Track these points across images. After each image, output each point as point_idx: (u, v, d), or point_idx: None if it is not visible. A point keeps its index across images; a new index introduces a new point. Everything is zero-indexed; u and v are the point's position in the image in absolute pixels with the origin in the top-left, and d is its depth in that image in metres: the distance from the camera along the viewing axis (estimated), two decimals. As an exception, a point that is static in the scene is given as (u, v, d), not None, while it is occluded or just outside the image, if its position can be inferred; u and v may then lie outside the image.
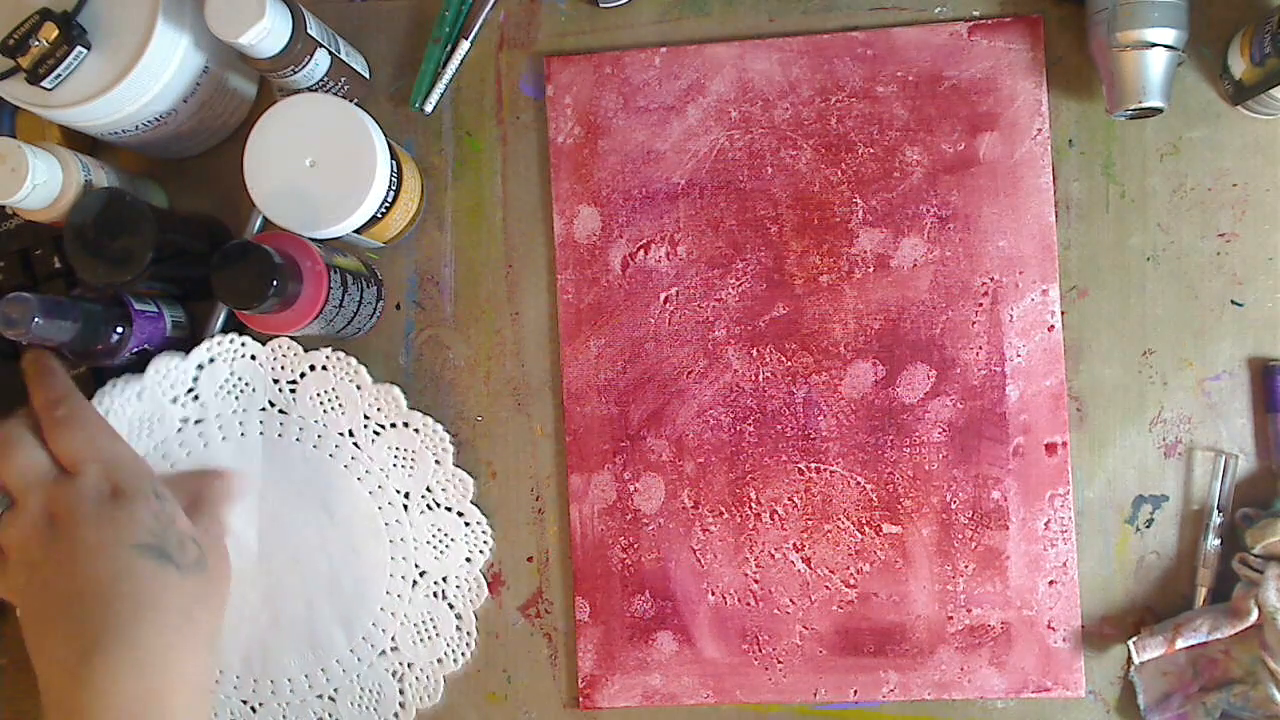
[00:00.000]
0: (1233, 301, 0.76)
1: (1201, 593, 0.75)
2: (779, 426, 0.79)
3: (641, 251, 0.80)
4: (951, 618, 0.77)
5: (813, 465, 0.78)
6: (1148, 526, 0.77)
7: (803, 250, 0.78)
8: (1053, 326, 0.77)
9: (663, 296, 0.80)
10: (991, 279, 0.77)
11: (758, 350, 0.79)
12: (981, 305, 0.77)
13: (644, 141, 0.80)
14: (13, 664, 0.84)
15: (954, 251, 0.78)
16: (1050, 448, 0.77)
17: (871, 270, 0.78)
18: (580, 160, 0.81)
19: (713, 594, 0.79)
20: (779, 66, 0.79)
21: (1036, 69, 0.78)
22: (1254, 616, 0.71)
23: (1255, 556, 0.73)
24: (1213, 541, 0.75)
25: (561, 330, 0.81)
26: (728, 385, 0.79)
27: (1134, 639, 0.74)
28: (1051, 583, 0.77)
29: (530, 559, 0.81)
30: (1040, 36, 0.78)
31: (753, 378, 0.79)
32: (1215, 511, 0.75)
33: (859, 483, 0.78)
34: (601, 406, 0.80)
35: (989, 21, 0.78)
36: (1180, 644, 0.73)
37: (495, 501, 0.81)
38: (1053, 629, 0.77)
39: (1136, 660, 0.74)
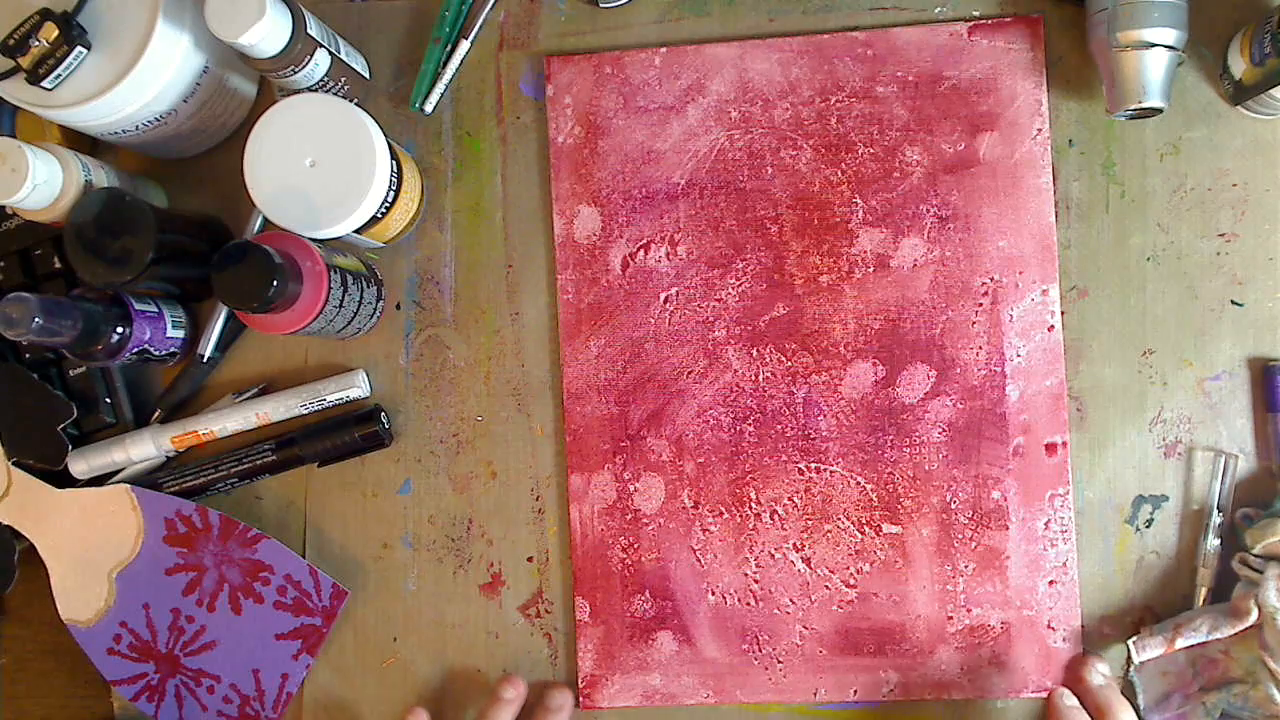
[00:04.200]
0: (1233, 301, 0.76)
1: (1201, 593, 0.75)
2: (779, 426, 0.79)
3: (641, 251, 0.80)
4: (951, 618, 0.77)
5: (813, 465, 0.78)
6: (1148, 526, 0.77)
7: (803, 250, 0.78)
8: (1053, 326, 0.77)
9: (663, 296, 0.80)
10: (991, 279, 0.77)
11: (758, 350, 0.79)
12: (981, 305, 0.77)
13: (644, 141, 0.80)
14: (13, 664, 0.85)
15: (954, 251, 0.78)
16: (1050, 448, 0.77)
17: (871, 270, 0.78)
18: (580, 160, 0.81)
19: (713, 594, 0.79)
20: (779, 66, 0.79)
21: (1036, 69, 0.78)
22: (1254, 616, 0.71)
23: (1255, 556, 0.73)
24: (1213, 541, 0.75)
25: (561, 330, 0.81)
26: (728, 385, 0.79)
27: (1134, 639, 0.74)
28: (1051, 583, 0.77)
29: (530, 559, 0.81)
30: (1040, 36, 0.78)
31: (753, 378, 0.79)
32: (1215, 511, 0.75)
33: (859, 483, 0.78)
34: (601, 406, 0.80)
35: (989, 21, 0.78)
36: (1180, 644, 0.73)
37: (495, 501, 0.81)
38: (1053, 629, 0.77)
39: (1136, 660, 0.74)
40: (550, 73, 0.81)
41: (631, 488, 0.80)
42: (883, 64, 0.78)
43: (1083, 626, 0.77)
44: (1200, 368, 0.77)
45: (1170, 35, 0.71)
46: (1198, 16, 0.73)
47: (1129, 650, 0.74)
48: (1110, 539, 0.77)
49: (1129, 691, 0.76)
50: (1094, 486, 0.77)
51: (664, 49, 0.80)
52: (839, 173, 0.78)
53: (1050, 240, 0.77)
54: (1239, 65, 0.74)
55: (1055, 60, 0.78)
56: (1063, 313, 0.77)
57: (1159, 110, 0.73)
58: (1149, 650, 0.73)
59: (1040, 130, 0.77)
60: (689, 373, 0.79)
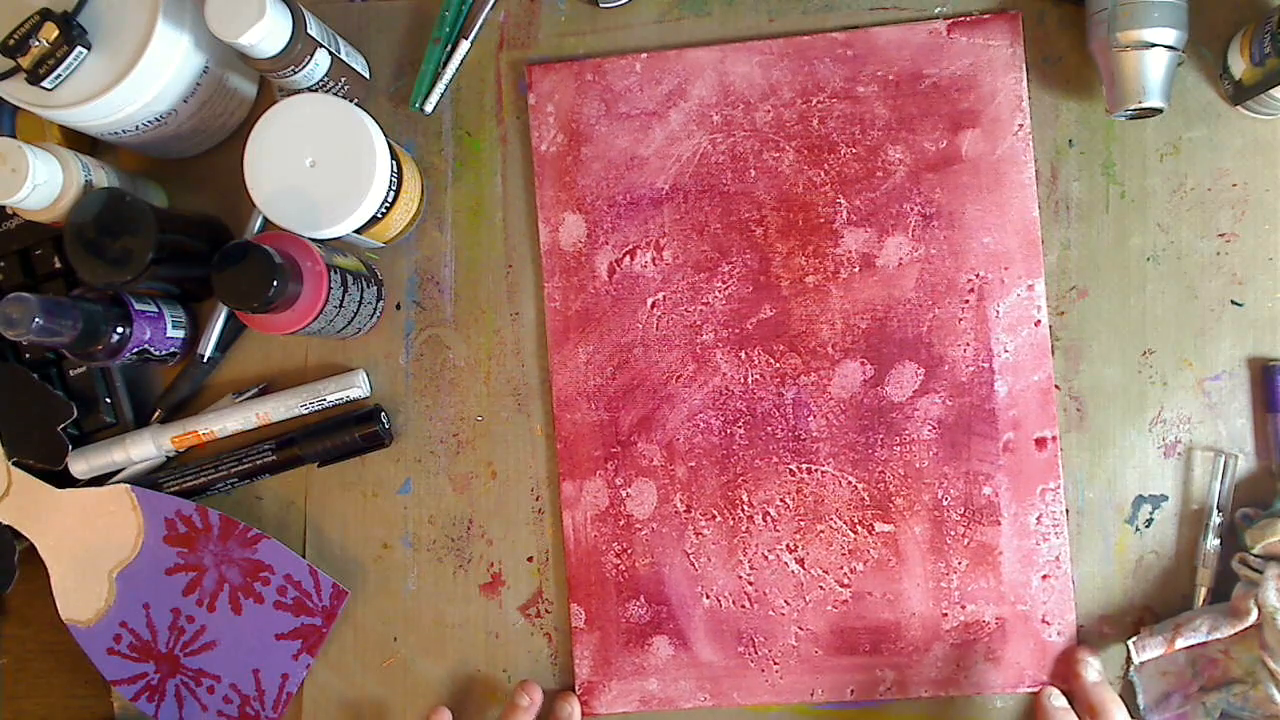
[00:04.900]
0: (1233, 301, 0.76)
1: (1201, 593, 0.75)
2: (769, 428, 0.79)
3: (627, 257, 0.80)
4: (946, 614, 0.77)
5: (804, 466, 0.78)
6: (1147, 526, 0.77)
7: (788, 252, 0.79)
8: (1039, 321, 0.77)
9: (650, 302, 0.80)
10: (977, 275, 0.77)
11: (746, 353, 0.79)
12: (968, 302, 0.77)
13: (627, 147, 0.80)
14: (13, 664, 0.85)
15: (939, 249, 0.78)
16: (1040, 442, 0.77)
17: (857, 270, 0.78)
18: (564, 168, 0.81)
19: (707, 597, 0.79)
20: (759, 69, 0.79)
21: (1016, 64, 0.78)
22: (1254, 616, 0.71)
23: (1255, 556, 0.73)
24: (1212, 541, 0.75)
25: (550, 338, 0.80)
26: (717, 388, 0.79)
27: (1133, 639, 0.74)
28: (1045, 577, 0.76)
29: (530, 559, 0.81)
30: (1019, 32, 0.78)
31: (741, 380, 0.79)
32: (1215, 511, 0.75)
33: (850, 482, 0.78)
34: (591, 413, 0.80)
35: (967, 19, 0.78)
36: (1180, 644, 0.73)
37: (495, 501, 0.81)
38: (1047, 623, 0.77)
39: (1136, 660, 0.74)
40: (532, 81, 0.81)
41: (623, 493, 0.80)
42: (863, 64, 0.78)
43: (1081, 626, 0.77)
44: (1200, 368, 0.77)
45: (1170, 35, 0.71)
46: (1198, 16, 0.74)
47: (1129, 650, 0.74)
48: (1110, 539, 0.77)
49: (1129, 691, 0.76)
50: (1094, 486, 0.77)
51: (645, 54, 0.80)
52: (822, 173, 0.78)
53: (1034, 235, 0.77)
54: (1239, 65, 0.74)
55: (1055, 60, 0.78)
56: (1062, 313, 0.77)
57: (1159, 110, 0.73)
58: (1149, 650, 0.73)
59: (1022, 126, 0.77)
60: (678, 377, 0.79)
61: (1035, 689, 0.76)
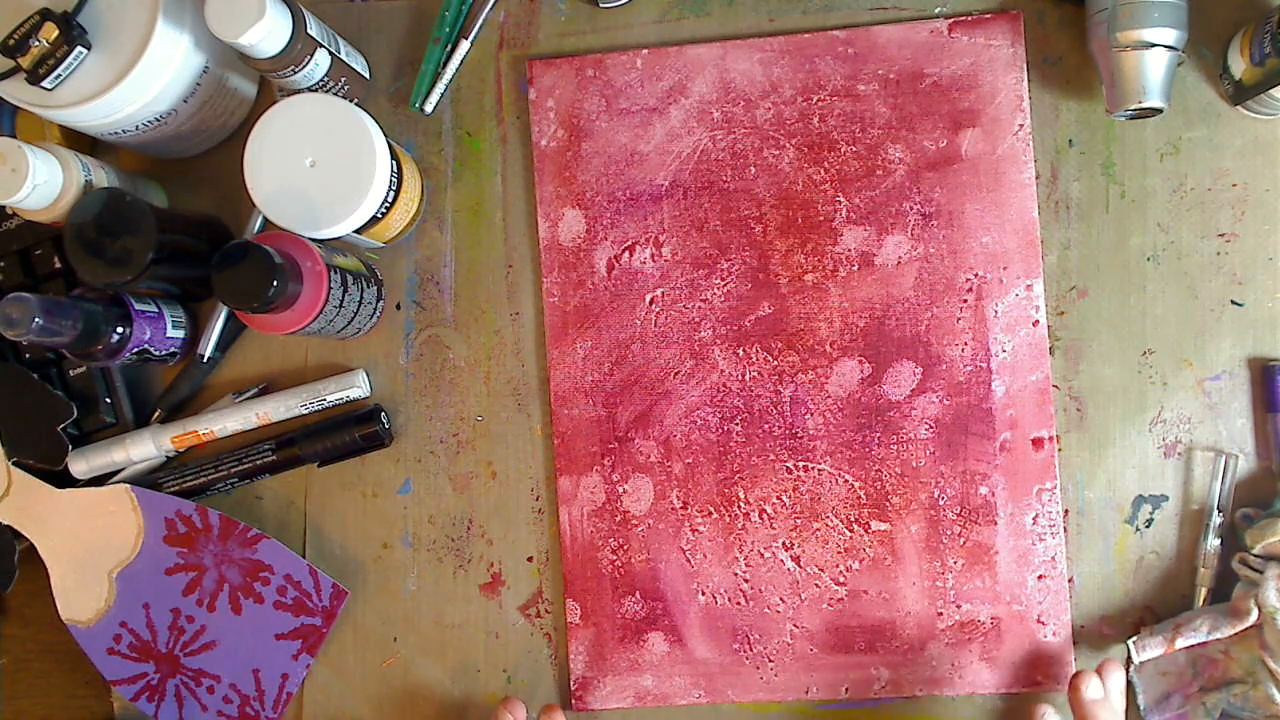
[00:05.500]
0: (1233, 301, 0.76)
1: (1201, 593, 0.75)
2: (766, 426, 0.79)
3: (626, 253, 0.80)
4: (941, 614, 0.77)
5: (801, 464, 0.78)
6: (1147, 526, 0.77)
7: (787, 249, 0.79)
8: (1037, 322, 0.77)
9: (648, 298, 0.80)
10: (976, 275, 0.77)
11: (744, 350, 0.79)
12: (966, 301, 0.77)
13: (627, 143, 0.80)
14: (13, 664, 0.85)
15: (938, 248, 0.78)
16: (1037, 442, 0.77)
17: (856, 268, 0.78)
18: (564, 163, 0.81)
19: (703, 594, 0.79)
20: (760, 66, 0.79)
21: (1017, 64, 0.78)
22: (1254, 616, 0.71)
23: (1255, 556, 0.73)
24: (1212, 541, 0.75)
25: (548, 333, 0.81)
26: (715, 385, 0.79)
27: (1133, 639, 0.74)
28: (1040, 577, 0.76)
29: (530, 559, 0.81)
30: (1020, 32, 0.78)
31: (739, 377, 0.79)
32: (1215, 511, 0.75)
33: (847, 480, 0.78)
34: (589, 409, 0.80)
35: (969, 18, 0.78)
36: (1180, 644, 0.73)
37: (495, 501, 0.81)
38: (1042, 623, 0.76)
39: (1136, 660, 0.73)
40: (532, 76, 0.81)
41: (620, 489, 0.80)
42: (864, 62, 0.78)
43: (1080, 624, 0.77)
44: (1200, 368, 0.76)
45: (1170, 35, 0.71)
46: (1198, 16, 0.74)
47: (1129, 650, 0.74)
48: (1110, 539, 0.77)
49: (1129, 691, 0.76)
50: (1094, 486, 0.77)
51: (646, 50, 0.80)
52: (822, 171, 0.78)
53: (1033, 235, 0.77)
54: (1239, 65, 0.74)
55: (1055, 60, 0.78)
56: (1062, 313, 0.77)
57: (1159, 110, 0.73)
58: (1149, 650, 0.73)
59: (1022, 125, 0.77)
60: (676, 373, 0.79)
61: (1029, 689, 0.76)
